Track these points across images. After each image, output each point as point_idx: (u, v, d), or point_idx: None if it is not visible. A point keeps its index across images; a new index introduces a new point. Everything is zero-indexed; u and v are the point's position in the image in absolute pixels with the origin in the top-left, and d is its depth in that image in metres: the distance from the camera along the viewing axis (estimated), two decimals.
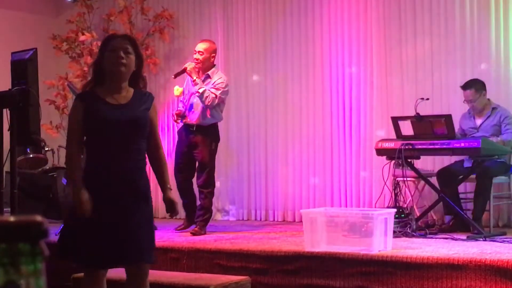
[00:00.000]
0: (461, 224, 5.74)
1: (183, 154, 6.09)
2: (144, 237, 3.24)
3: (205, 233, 5.92)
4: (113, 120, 3.17)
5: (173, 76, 6.35)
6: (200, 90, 5.85)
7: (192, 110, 6.02)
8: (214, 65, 6.14)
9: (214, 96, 5.84)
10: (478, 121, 5.97)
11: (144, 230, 3.24)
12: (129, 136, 3.21)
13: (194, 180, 6.19)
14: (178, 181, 6.09)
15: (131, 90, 3.27)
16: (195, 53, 6.03)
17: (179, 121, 6.14)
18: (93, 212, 3.15)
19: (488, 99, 5.97)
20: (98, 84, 3.26)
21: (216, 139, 6.07)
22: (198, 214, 6.04)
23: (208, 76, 6.02)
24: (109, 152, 3.21)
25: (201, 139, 5.97)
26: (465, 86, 5.93)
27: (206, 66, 6.02)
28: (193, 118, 5.99)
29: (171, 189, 3.39)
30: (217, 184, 7.65)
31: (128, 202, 3.20)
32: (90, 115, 3.19)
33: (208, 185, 6.04)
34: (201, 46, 6.03)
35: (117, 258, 3.23)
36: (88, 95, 3.26)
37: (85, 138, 3.28)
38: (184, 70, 6.05)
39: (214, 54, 6.07)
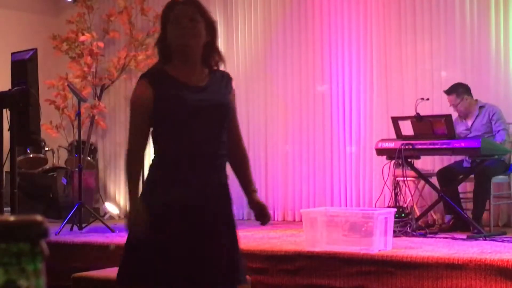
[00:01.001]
0: (461, 224, 5.74)
1: None
2: (238, 253, 2.69)
3: None
4: (194, 107, 2.50)
5: None
6: None
7: None
8: None
9: None
10: (469, 122, 6.00)
11: (236, 245, 2.68)
12: (212, 127, 2.55)
13: None
14: None
15: (205, 69, 2.60)
16: None
17: None
18: (168, 229, 2.49)
19: (476, 100, 6.00)
20: (165, 64, 2.59)
21: None
22: None
23: None
24: (187, 148, 2.52)
25: None
26: (447, 92, 6.00)
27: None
28: None
29: (256, 191, 2.81)
30: None
31: (214, 213, 2.56)
32: (162, 100, 2.50)
33: None
34: None
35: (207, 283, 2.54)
36: (158, 75, 2.56)
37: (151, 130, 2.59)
38: None
39: None
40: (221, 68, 2.64)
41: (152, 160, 2.57)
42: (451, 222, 5.94)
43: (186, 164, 2.50)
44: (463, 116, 6.02)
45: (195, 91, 2.53)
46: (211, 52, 2.59)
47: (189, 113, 2.50)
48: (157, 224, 2.46)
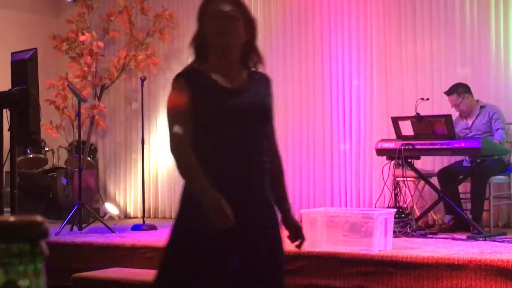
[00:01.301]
0: (462, 224, 5.74)
1: None
2: (283, 263, 2.45)
3: None
4: (232, 110, 2.33)
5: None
6: None
7: None
8: None
9: None
10: (469, 122, 6.01)
11: (281, 256, 2.43)
12: (252, 132, 2.36)
13: None
14: None
15: (244, 70, 2.43)
16: None
17: None
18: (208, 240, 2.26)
19: (477, 100, 6.01)
20: (202, 64, 2.41)
21: None
22: None
23: None
24: (227, 156, 2.32)
25: None
26: (447, 92, 6.01)
27: None
28: None
29: (291, 208, 2.54)
30: None
31: (258, 226, 2.34)
32: (198, 103, 2.32)
33: None
34: None
35: None
36: (194, 75, 2.38)
37: None
38: None
39: None
40: (260, 69, 2.48)
41: None
42: (451, 223, 5.94)
43: (225, 172, 2.30)
44: (465, 115, 6.02)
45: (233, 94, 2.35)
46: (250, 52, 2.42)
47: (227, 117, 2.32)
48: (195, 241, 2.27)
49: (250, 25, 2.41)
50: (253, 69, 2.45)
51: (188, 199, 2.34)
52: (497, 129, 5.83)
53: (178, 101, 2.35)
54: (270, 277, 2.35)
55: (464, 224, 5.70)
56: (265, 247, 2.34)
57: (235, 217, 2.18)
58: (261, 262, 2.32)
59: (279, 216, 2.46)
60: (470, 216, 5.66)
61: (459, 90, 5.96)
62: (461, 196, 5.97)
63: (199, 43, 2.41)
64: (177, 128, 2.33)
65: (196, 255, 2.27)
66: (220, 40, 2.35)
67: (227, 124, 2.32)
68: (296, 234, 2.51)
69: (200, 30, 2.42)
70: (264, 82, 2.47)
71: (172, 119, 2.37)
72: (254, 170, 2.34)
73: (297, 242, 2.52)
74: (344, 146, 7.03)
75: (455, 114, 5.99)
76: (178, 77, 2.39)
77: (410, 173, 5.84)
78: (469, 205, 5.99)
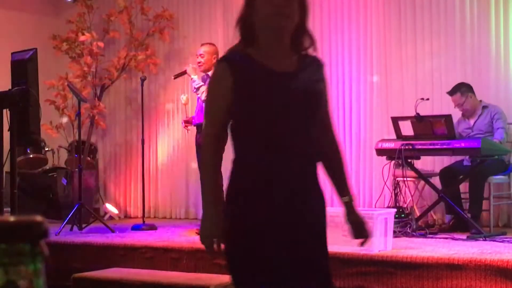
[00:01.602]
0: (462, 224, 5.74)
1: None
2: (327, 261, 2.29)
3: None
4: (282, 97, 2.14)
5: (173, 77, 6.54)
6: (196, 86, 5.93)
7: (195, 110, 6.14)
8: None
9: None
10: (472, 121, 6.01)
11: (327, 260, 2.28)
12: (302, 120, 2.17)
13: None
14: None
15: (294, 53, 2.24)
16: (197, 57, 6.12)
17: (188, 127, 6.26)
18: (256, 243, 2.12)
19: (480, 100, 6.01)
20: (249, 46, 2.22)
21: None
22: None
23: (208, 76, 6.07)
24: (274, 146, 2.13)
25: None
26: (450, 92, 6.00)
27: (207, 68, 6.08)
28: (195, 118, 6.09)
29: (355, 199, 2.37)
30: None
31: (307, 226, 2.19)
32: (243, 88, 2.15)
33: None
34: (202, 49, 6.13)
35: None
36: (239, 58, 2.19)
37: (230, 123, 2.22)
38: (184, 72, 6.20)
39: (215, 56, 6.13)
40: (312, 53, 2.28)
41: (233, 161, 2.19)
42: (451, 222, 5.94)
43: (272, 165, 2.12)
44: (468, 115, 6.02)
45: (283, 79, 2.16)
46: (301, 35, 2.22)
47: (276, 103, 2.12)
48: (239, 241, 2.13)
49: (303, 6, 2.21)
50: (305, 52, 2.26)
51: (235, 188, 2.17)
52: (498, 128, 5.83)
53: (217, 87, 2.19)
54: (317, 271, 2.20)
55: (464, 224, 5.70)
56: (310, 244, 2.20)
57: (279, 214, 2.08)
58: (308, 256, 2.17)
59: (343, 209, 2.33)
60: (469, 215, 5.66)
61: (462, 89, 5.96)
62: (462, 195, 5.96)
63: (247, 23, 2.20)
64: (207, 119, 2.22)
65: (250, 244, 2.12)
66: (275, 21, 2.16)
67: (275, 112, 2.13)
68: (359, 230, 2.31)
69: (249, 10, 2.21)
70: (316, 66, 2.27)
71: (206, 108, 2.27)
72: (301, 161, 2.16)
73: (360, 240, 2.30)
74: (344, 146, 7.02)
75: (456, 114, 5.98)
76: (221, 61, 2.23)
77: (410, 173, 5.84)
78: (468, 205, 6.00)
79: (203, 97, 5.90)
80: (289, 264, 2.11)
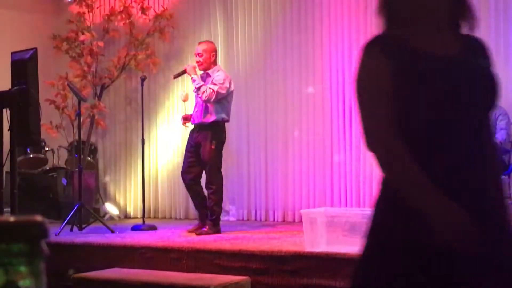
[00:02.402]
0: None
1: (189, 154, 6.17)
2: None
3: (217, 233, 5.92)
4: (451, 85, 1.77)
5: (172, 77, 6.55)
6: (197, 86, 5.93)
7: (196, 109, 6.12)
8: (216, 64, 6.21)
9: (211, 90, 5.87)
10: None
11: None
12: (482, 116, 1.81)
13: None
14: (186, 182, 6.19)
15: (453, 34, 1.87)
16: (196, 56, 6.12)
17: (186, 124, 6.26)
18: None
19: None
20: (400, 28, 1.86)
21: (218, 137, 6.03)
22: (207, 215, 6.07)
23: (208, 75, 6.07)
24: (451, 149, 1.75)
25: (202, 137, 6.01)
26: None
27: (207, 66, 6.08)
28: (195, 117, 6.08)
29: None
30: None
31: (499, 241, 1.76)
32: (402, 77, 1.77)
33: (211, 185, 6.03)
34: (200, 48, 6.12)
35: None
36: (392, 43, 1.82)
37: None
38: (184, 71, 6.20)
39: (214, 53, 6.13)
40: (474, 33, 1.90)
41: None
42: None
43: (450, 175, 1.74)
44: None
45: (447, 64, 1.79)
46: (461, 11, 1.86)
47: (445, 95, 1.74)
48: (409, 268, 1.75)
49: None
50: (466, 31, 1.88)
51: (394, 204, 1.83)
52: (501, 129, 5.82)
53: (371, 74, 1.80)
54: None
55: None
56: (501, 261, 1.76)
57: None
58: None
59: None
60: None
61: None
62: None
63: (397, 5, 1.87)
64: (373, 112, 1.80)
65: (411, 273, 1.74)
66: (433, 3, 1.84)
67: (444, 105, 1.75)
68: None
69: None
70: (482, 49, 1.90)
71: (366, 99, 1.82)
72: (484, 166, 1.78)
73: None
74: (344, 145, 7.02)
75: None
76: (371, 45, 1.84)
77: None
78: None
79: (204, 97, 5.89)
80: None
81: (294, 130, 7.29)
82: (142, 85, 6.77)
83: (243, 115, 7.53)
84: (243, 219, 7.47)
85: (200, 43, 6.33)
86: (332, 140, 7.08)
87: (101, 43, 7.82)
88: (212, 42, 6.37)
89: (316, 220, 4.78)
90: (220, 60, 7.57)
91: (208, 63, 6.07)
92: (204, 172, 6.14)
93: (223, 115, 6.06)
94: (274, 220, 7.29)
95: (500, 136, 5.79)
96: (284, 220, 7.25)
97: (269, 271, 4.74)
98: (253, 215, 7.48)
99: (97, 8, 8.11)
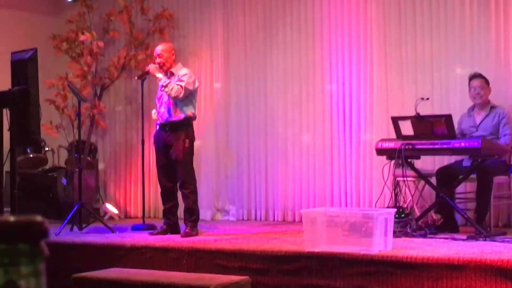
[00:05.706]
0: (451, 224, 5.75)
1: (161, 156, 6.03)
2: None
3: (196, 234, 5.85)
4: None
5: (135, 78, 6.56)
6: (164, 84, 5.91)
7: (161, 108, 6.04)
8: (177, 62, 6.19)
9: (179, 87, 5.85)
10: (478, 120, 5.98)
11: None
12: None
13: None
14: (162, 185, 6.09)
15: None
16: (156, 58, 6.08)
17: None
18: None
19: (488, 100, 6.00)
20: None
21: (190, 136, 5.95)
22: (186, 217, 5.98)
23: (172, 74, 6.05)
24: None
25: (174, 137, 5.91)
26: (474, 75, 5.95)
27: (170, 66, 6.07)
28: (163, 115, 6.00)
29: None
30: (217, 184, 7.66)
31: None
32: None
33: (187, 184, 5.94)
34: (159, 49, 6.12)
35: None
36: None
37: None
38: (147, 72, 6.17)
39: (173, 52, 6.16)
40: None
41: None
42: (439, 222, 5.94)
43: None
44: (480, 107, 5.98)
45: None
46: None
47: None
48: None
49: None
50: None
51: None
52: (505, 134, 5.82)
53: None
54: None
55: (453, 225, 5.72)
56: None
57: None
58: None
59: None
60: (475, 215, 5.64)
61: (485, 78, 5.94)
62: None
63: None
64: None
65: None
66: None
67: None
68: None
69: None
70: None
71: None
72: None
73: None
74: (344, 145, 7.02)
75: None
76: None
77: (410, 173, 5.83)
78: (468, 205, 5.99)
79: (173, 93, 5.84)
80: None
81: (294, 130, 7.29)
82: (142, 85, 6.76)
83: (243, 114, 7.53)
84: (243, 219, 7.47)
85: (158, 44, 6.35)
86: (332, 140, 7.08)
87: (101, 43, 7.82)
88: (169, 42, 6.40)
89: (316, 220, 4.79)
90: (220, 59, 7.60)
91: (170, 62, 6.07)
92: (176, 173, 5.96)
93: (191, 112, 5.97)
94: (274, 220, 7.29)
95: (504, 141, 5.79)
96: (284, 220, 7.25)
97: (269, 271, 4.74)
98: (253, 215, 7.48)
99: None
